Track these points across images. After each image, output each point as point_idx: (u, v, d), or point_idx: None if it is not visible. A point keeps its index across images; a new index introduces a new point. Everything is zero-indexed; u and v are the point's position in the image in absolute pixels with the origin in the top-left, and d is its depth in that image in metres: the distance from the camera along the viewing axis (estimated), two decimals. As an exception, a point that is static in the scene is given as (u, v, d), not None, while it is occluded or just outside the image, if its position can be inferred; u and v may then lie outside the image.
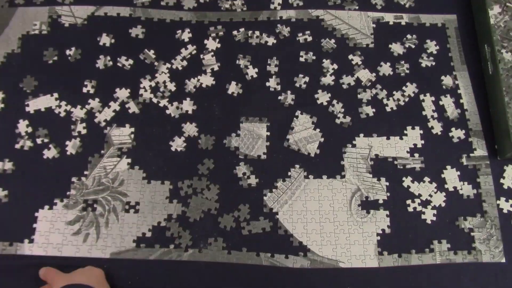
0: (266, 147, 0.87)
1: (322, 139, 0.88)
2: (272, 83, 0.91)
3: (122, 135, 0.87)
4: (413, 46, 0.95)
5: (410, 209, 0.83)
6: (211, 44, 0.95)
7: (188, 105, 0.90)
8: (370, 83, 0.92)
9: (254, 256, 0.79)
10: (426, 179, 0.85)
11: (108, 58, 0.93)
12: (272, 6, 0.98)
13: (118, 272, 0.78)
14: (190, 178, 0.84)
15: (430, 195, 0.84)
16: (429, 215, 0.82)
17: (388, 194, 0.84)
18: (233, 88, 0.91)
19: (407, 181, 0.85)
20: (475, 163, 0.86)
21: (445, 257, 0.80)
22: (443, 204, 0.83)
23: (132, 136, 0.87)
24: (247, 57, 0.94)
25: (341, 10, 0.98)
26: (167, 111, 0.89)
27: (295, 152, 0.86)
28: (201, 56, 0.94)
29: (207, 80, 0.92)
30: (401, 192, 0.84)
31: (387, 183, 0.84)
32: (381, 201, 0.83)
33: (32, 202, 0.82)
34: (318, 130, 0.88)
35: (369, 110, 0.90)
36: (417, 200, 0.83)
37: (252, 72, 0.92)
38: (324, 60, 0.94)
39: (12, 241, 0.80)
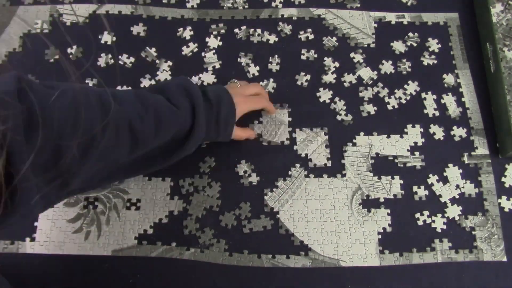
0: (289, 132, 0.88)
1: (327, 137, 0.88)
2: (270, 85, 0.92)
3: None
4: (415, 44, 0.95)
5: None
6: (213, 42, 0.95)
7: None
8: (371, 81, 0.92)
9: (256, 258, 0.80)
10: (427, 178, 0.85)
11: (110, 56, 0.93)
12: (273, 4, 0.98)
13: (119, 269, 0.79)
14: (191, 176, 0.84)
15: (432, 194, 0.84)
16: (430, 214, 0.83)
17: (390, 192, 0.84)
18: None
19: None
20: (476, 161, 0.86)
21: (446, 256, 0.80)
22: (445, 203, 0.84)
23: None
24: (248, 55, 0.94)
25: (343, 9, 0.98)
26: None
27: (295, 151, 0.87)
28: (203, 54, 0.94)
29: (208, 78, 0.92)
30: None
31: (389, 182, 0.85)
32: (382, 200, 0.83)
33: (33, 200, 0.82)
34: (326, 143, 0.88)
35: (370, 108, 0.90)
36: (419, 199, 0.83)
37: (253, 70, 0.92)
38: (325, 58, 0.94)
39: (13, 240, 0.80)
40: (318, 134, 0.87)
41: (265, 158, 0.86)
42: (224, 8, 0.98)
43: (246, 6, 0.98)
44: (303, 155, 0.86)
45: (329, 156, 0.86)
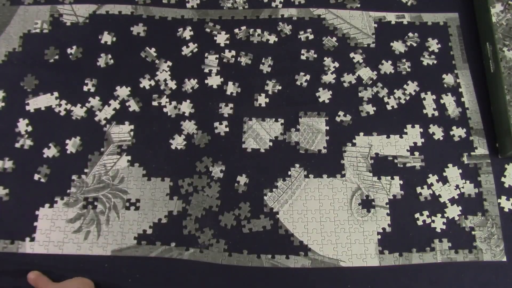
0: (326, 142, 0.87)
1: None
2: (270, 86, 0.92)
3: (122, 132, 0.87)
4: (414, 44, 0.95)
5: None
6: (213, 41, 0.95)
7: (189, 104, 0.90)
8: (371, 81, 0.92)
9: (255, 259, 0.79)
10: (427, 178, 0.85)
11: (109, 56, 0.93)
12: (273, 4, 0.98)
13: (118, 269, 0.79)
14: (190, 176, 0.84)
15: (431, 194, 0.84)
16: (430, 214, 0.83)
17: (390, 192, 0.84)
18: (231, 88, 0.91)
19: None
20: (476, 161, 0.86)
21: (446, 256, 0.80)
22: (444, 203, 0.84)
23: (132, 133, 0.87)
24: (248, 55, 0.94)
25: (343, 10, 0.98)
26: (164, 110, 0.89)
27: (295, 151, 0.86)
28: (206, 54, 0.94)
29: (214, 81, 0.92)
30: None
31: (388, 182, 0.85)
32: (381, 200, 0.83)
33: (32, 200, 0.82)
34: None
35: (369, 109, 0.89)
36: (418, 199, 0.83)
37: (253, 70, 0.92)
38: (325, 58, 0.94)
39: (13, 239, 0.80)
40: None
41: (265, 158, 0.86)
42: (224, 8, 0.98)
43: (246, 6, 0.98)
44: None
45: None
